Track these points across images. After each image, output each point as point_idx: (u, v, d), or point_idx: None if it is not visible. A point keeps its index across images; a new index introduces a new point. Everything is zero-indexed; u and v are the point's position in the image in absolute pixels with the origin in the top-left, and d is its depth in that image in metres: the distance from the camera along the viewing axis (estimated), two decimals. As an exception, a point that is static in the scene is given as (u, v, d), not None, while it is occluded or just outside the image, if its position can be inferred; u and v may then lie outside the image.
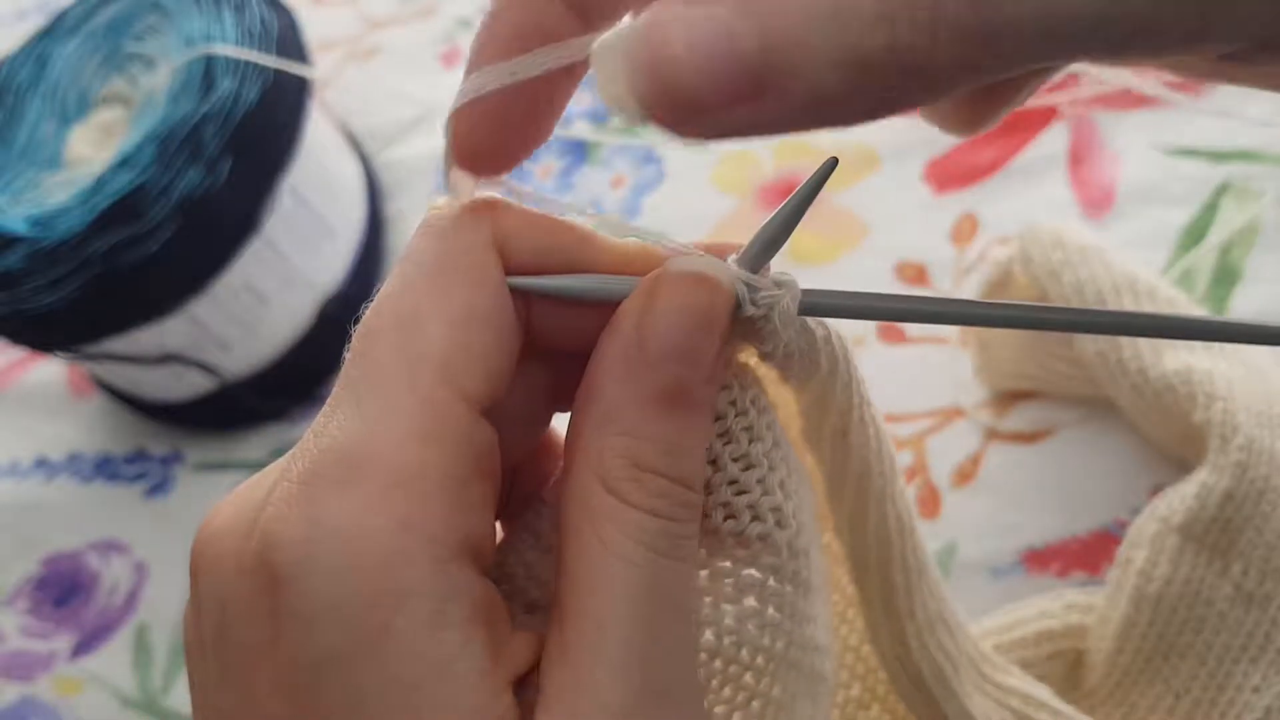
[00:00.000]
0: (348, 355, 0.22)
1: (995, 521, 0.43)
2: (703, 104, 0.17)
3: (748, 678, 0.23)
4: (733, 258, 0.23)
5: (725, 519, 0.23)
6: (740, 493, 0.23)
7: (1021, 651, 0.37)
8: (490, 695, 0.19)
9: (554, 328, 0.23)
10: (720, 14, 0.16)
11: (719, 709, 0.23)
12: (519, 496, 0.27)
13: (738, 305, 0.22)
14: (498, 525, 0.26)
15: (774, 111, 0.17)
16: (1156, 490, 0.40)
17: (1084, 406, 0.43)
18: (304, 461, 0.20)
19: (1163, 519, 0.37)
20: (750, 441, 0.23)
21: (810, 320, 0.24)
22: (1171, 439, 0.40)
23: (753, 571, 0.23)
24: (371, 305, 0.22)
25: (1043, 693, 0.34)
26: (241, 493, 0.22)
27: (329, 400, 0.21)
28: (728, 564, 0.23)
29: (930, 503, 0.44)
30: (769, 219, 0.23)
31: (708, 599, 0.23)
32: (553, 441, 0.27)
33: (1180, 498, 0.37)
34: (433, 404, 0.20)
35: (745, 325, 0.23)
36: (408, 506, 0.19)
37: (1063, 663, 0.38)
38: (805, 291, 0.23)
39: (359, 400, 0.20)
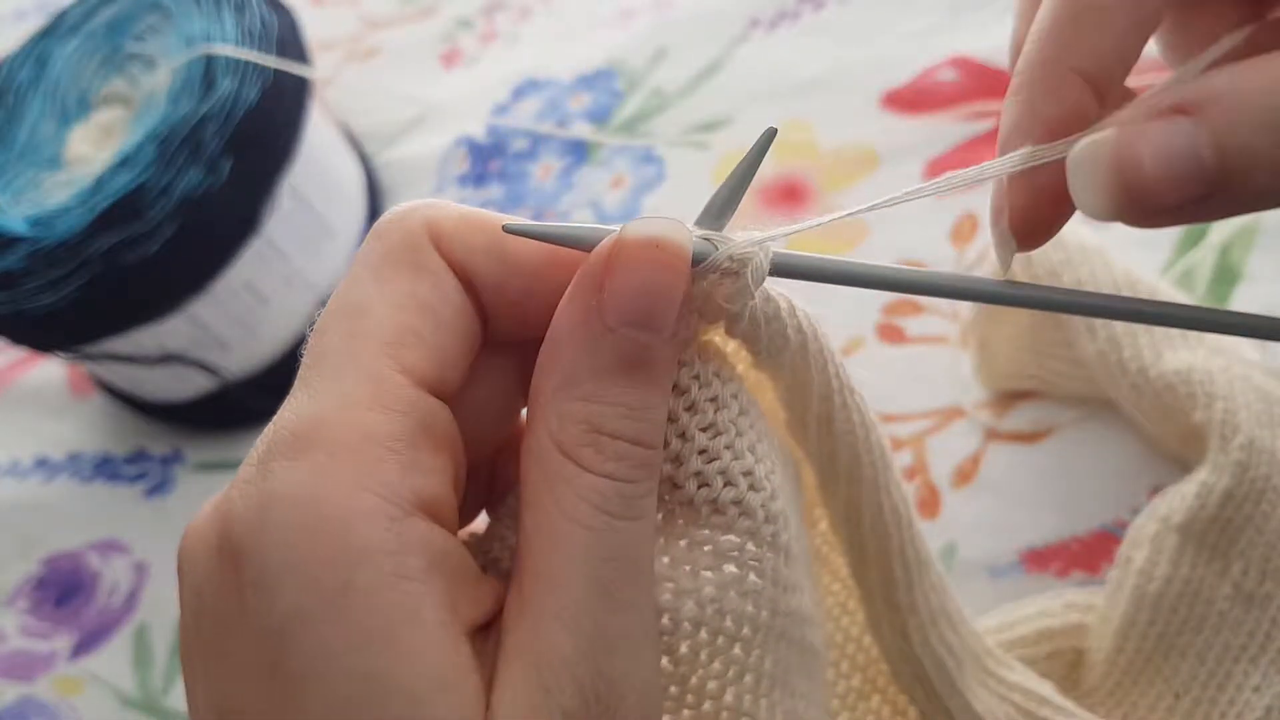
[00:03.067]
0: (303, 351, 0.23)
1: (995, 521, 0.43)
2: (1164, 205, 0.21)
3: (736, 650, 0.23)
4: (689, 226, 0.23)
5: (699, 487, 0.23)
6: (711, 460, 0.23)
7: (1021, 650, 0.37)
8: (450, 644, 0.20)
9: (516, 318, 0.24)
10: (1182, 130, 0.20)
11: (711, 684, 0.23)
12: (501, 488, 0.27)
13: (702, 261, 0.22)
14: (483, 514, 0.27)
15: (1221, 206, 0.21)
16: (1156, 490, 0.40)
17: (1084, 406, 0.43)
18: (261, 445, 0.21)
19: (1163, 518, 0.37)
20: (716, 410, 0.23)
21: (773, 293, 0.24)
22: (1171, 438, 0.40)
23: (730, 537, 0.23)
24: (325, 306, 0.23)
25: (1045, 689, 0.34)
26: (218, 495, 0.22)
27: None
28: (705, 532, 0.23)
29: (930, 502, 0.44)
30: (720, 185, 0.23)
31: (686, 568, 0.23)
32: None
33: (1180, 497, 0.37)
34: (375, 376, 0.21)
35: (714, 285, 0.23)
36: (358, 468, 0.20)
37: (1062, 662, 0.38)
38: (775, 254, 0.23)
39: (308, 382, 0.21)
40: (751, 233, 0.23)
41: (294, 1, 0.56)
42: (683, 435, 0.23)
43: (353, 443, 0.20)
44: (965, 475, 0.44)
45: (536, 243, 0.23)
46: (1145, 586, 0.36)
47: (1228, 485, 0.36)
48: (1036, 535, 0.42)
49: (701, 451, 0.23)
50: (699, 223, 0.23)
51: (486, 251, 0.23)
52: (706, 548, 0.23)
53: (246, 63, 0.49)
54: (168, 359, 0.52)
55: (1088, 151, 0.21)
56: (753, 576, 0.23)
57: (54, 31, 0.57)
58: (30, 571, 0.56)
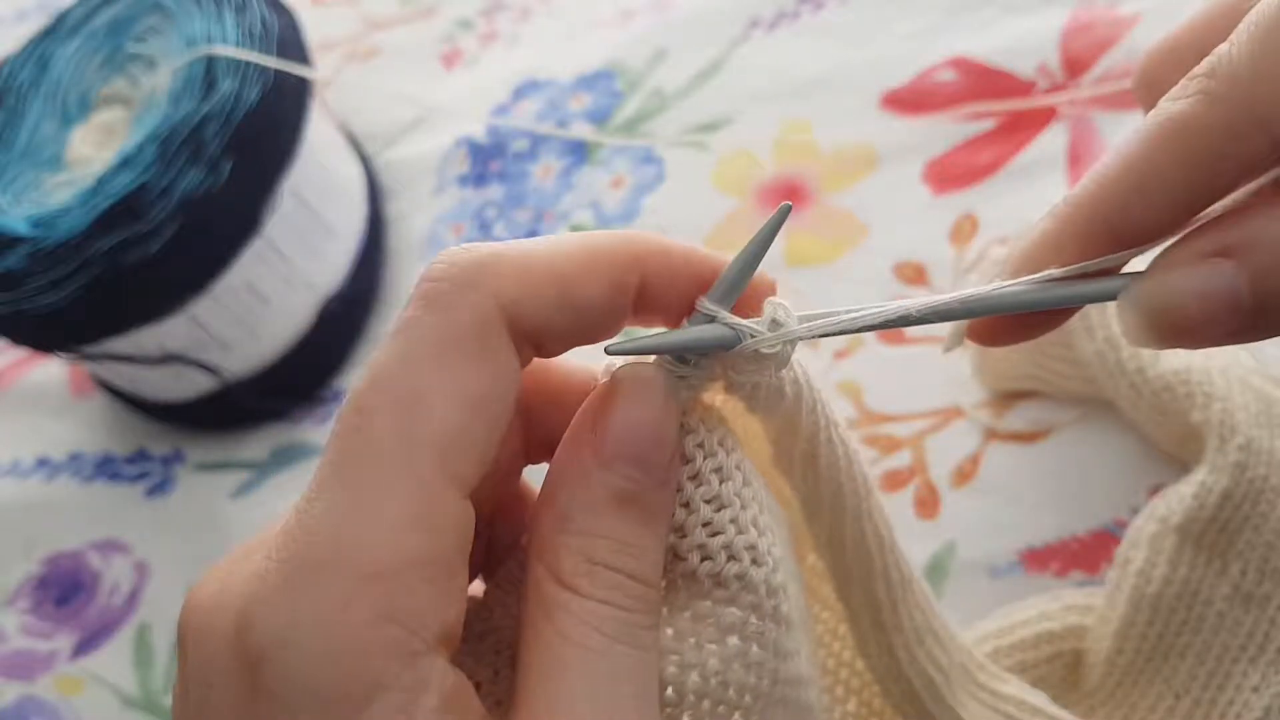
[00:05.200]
0: (336, 429, 0.21)
1: (994, 521, 0.43)
2: (1206, 338, 0.22)
3: (736, 717, 0.23)
4: (702, 300, 0.23)
5: (702, 560, 0.23)
6: (715, 534, 0.23)
7: (1021, 654, 0.37)
8: None
9: (524, 385, 0.24)
10: (1224, 273, 0.22)
11: None
12: (497, 551, 0.27)
13: (719, 343, 0.23)
14: (478, 581, 0.27)
15: (1259, 335, 0.22)
16: (1155, 490, 0.40)
17: (1083, 406, 0.43)
18: (288, 543, 0.20)
19: (1161, 519, 0.37)
20: (721, 482, 0.24)
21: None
22: (1170, 439, 0.40)
23: (734, 610, 0.23)
24: (366, 378, 0.21)
25: (1039, 698, 0.34)
26: (225, 566, 0.22)
27: (317, 474, 0.21)
28: (708, 604, 0.23)
29: (930, 503, 0.44)
30: (732, 261, 0.23)
31: (690, 640, 0.23)
32: (526, 492, 0.28)
33: (1179, 498, 0.37)
34: (428, 491, 0.20)
35: (727, 364, 0.23)
36: (390, 597, 0.20)
37: (1062, 664, 0.38)
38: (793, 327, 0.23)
39: (349, 482, 0.20)
40: (777, 308, 0.23)
41: (294, 2, 0.56)
42: (687, 505, 0.23)
43: (390, 568, 0.20)
44: (965, 475, 0.44)
45: (601, 284, 0.23)
46: (1144, 587, 0.36)
47: (1226, 486, 0.36)
48: (1036, 535, 0.42)
49: (706, 524, 0.23)
50: (710, 298, 0.23)
51: (560, 305, 0.22)
52: (710, 620, 0.23)
53: (247, 63, 0.49)
54: (168, 359, 0.52)
55: (1136, 294, 0.23)
56: (755, 648, 0.23)
57: (55, 32, 0.57)
58: (31, 571, 0.56)
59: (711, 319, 0.23)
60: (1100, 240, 0.23)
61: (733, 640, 0.23)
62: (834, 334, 0.23)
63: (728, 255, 0.24)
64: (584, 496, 0.22)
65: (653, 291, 0.23)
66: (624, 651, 0.21)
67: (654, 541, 0.23)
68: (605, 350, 0.22)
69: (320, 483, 0.21)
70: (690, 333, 0.23)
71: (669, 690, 0.23)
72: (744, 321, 0.23)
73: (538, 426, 0.26)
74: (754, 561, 0.23)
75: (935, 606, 0.32)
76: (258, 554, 0.21)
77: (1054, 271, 0.23)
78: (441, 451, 0.21)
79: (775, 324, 0.23)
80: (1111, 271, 0.24)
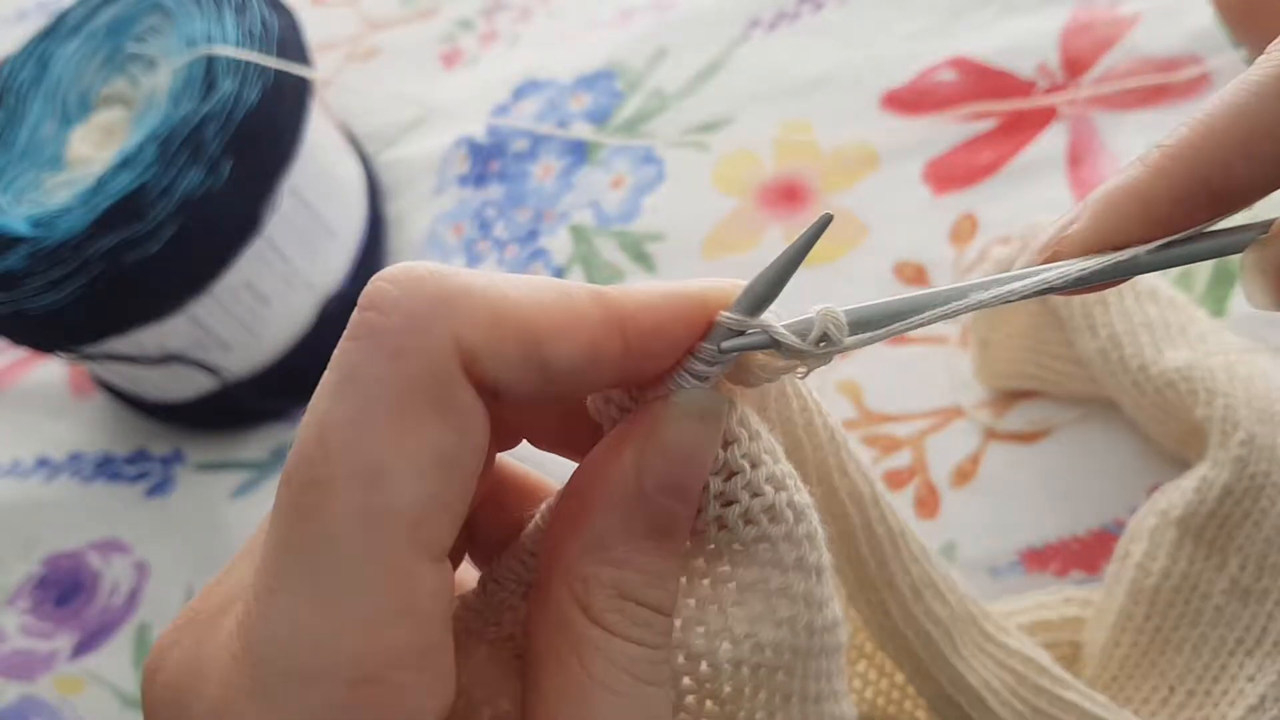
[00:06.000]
0: (288, 501, 0.19)
1: (995, 521, 0.43)
2: None
3: (780, 676, 0.23)
4: (723, 314, 0.22)
5: (719, 530, 0.23)
6: (728, 503, 0.23)
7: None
8: None
9: (537, 408, 0.23)
10: None
11: (759, 714, 0.23)
12: (483, 537, 0.26)
13: (772, 345, 0.22)
14: (467, 562, 0.26)
15: None
16: (1155, 489, 0.40)
17: (1083, 406, 0.43)
18: (256, 641, 0.19)
19: (1161, 513, 0.37)
20: (727, 448, 0.23)
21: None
22: (1172, 437, 0.40)
23: (753, 570, 0.23)
24: (313, 439, 0.19)
25: (1043, 657, 0.34)
26: (187, 628, 0.20)
27: (271, 556, 0.19)
28: (726, 568, 0.23)
29: (930, 502, 0.44)
30: (764, 269, 0.22)
31: (713, 606, 0.22)
32: (506, 477, 0.26)
33: (1179, 491, 0.37)
34: (403, 576, 0.19)
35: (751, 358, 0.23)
36: (382, 701, 0.18)
37: (1058, 655, 0.38)
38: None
39: (313, 574, 0.18)
40: (829, 314, 0.22)
41: (294, 2, 0.56)
42: None
43: (377, 670, 0.18)
44: (965, 475, 0.44)
45: (577, 348, 0.20)
46: (1143, 580, 0.36)
47: (1227, 480, 0.36)
48: (1036, 535, 0.42)
49: (718, 495, 0.23)
50: (738, 306, 0.22)
51: (524, 364, 0.20)
52: (730, 584, 0.23)
53: (247, 63, 0.49)
54: (168, 359, 0.52)
55: (1260, 255, 0.22)
56: (783, 606, 0.23)
57: (55, 32, 0.57)
58: (31, 571, 0.56)
59: (739, 333, 0.21)
60: (1197, 199, 0.21)
61: (756, 601, 0.23)
62: (896, 334, 0.22)
63: (716, 283, 0.22)
64: (624, 526, 0.21)
65: (639, 356, 0.21)
66: (652, 693, 0.21)
67: (677, 567, 0.22)
68: None
69: (280, 570, 0.19)
70: (737, 343, 0.21)
71: (704, 665, 0.22)
72: (792, 337, 0.21)
73: (512, 412, 0.24)
74: (771, 520, 0.23)
75: (934, 559, 0.31)
76: (223, 623, 0.20)
77: (1143, 247, 0.22)
78: (412, 528, 0.19)
79: (826, 340, 0.21)
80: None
